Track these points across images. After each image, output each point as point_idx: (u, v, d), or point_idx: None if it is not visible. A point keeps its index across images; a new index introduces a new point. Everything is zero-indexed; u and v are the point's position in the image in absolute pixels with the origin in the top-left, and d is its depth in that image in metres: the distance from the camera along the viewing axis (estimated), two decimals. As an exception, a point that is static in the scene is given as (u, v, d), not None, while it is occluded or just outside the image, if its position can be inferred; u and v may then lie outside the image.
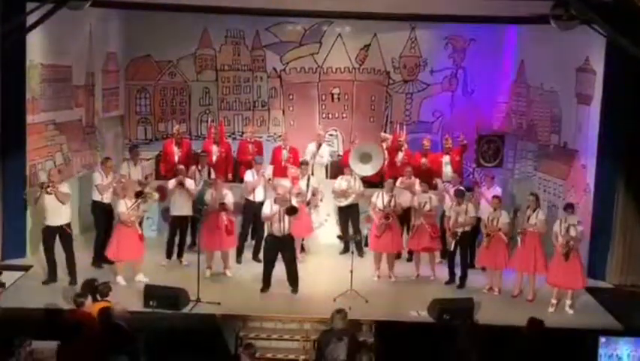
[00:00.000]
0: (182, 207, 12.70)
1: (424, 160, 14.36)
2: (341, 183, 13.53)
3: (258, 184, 12.96)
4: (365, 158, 14.01)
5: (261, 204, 12.35)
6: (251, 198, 12.99)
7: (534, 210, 11.63)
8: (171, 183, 12.70)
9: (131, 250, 11.71)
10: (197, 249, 11.96)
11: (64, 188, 11.47)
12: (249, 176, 13.04)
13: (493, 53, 16.49)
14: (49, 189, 11.25)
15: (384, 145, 14.58)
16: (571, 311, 11.25)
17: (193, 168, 13.34)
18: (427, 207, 12.43)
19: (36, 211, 12.53)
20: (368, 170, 13.96)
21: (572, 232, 11.10)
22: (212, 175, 13.41)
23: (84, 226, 13.55)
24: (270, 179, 13.20)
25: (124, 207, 11.65)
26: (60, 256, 11.62)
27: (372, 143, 14.84)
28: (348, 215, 13.61)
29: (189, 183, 12.66)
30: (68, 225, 11.56)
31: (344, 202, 13.54)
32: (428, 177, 13.80)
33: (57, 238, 11.52)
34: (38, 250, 12.62)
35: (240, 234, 13.07)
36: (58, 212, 11.39)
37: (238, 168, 14.53)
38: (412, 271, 12.68)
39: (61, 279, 11.57)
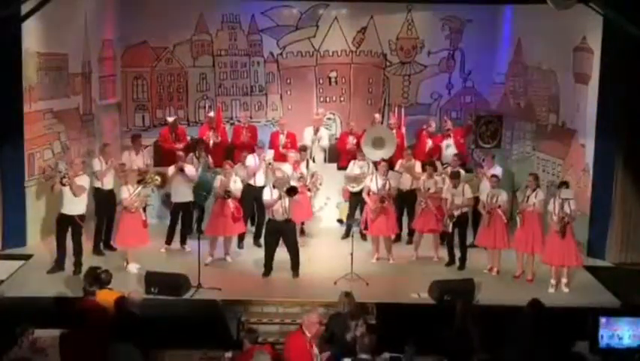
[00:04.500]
0: (183, 193, 12.72)
1: (429, 143, 14.36)
2: (354, 168, 13.47)
3: (258, 169, 12.96)
4: (378, 142, 13.92)
5: (262, 188, 12.38)
6: (252, 182, 13.00)
7: (533, 190, 11.63)
8: (171, 170, 12.71)
9: (135, 236, 11.72)
10: (198, 235, 11.96)
11: (82, 181, 11.44)
12: (250, 160, 13.04)
13: (490, 33, 16.47)
14: (64, 180, 11.25)
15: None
16: (566, 289, 11.28)
17: (190, 154, 13.34)
18: (432, 189, 12.43)
19: (39, 200, 12.60)
20: (381, 154, 13.89)
21: (567, 208, 11.12)
22: (210, 160, 13.39)
23: (87, 213, 13.55)
24: (270, 163, 13.20)
25: (126, 193, 11.65)
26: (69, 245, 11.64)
27: (385, 127, 14.82)
28: (358, 200, 13.49)
29: (189, 169, 12.67)
30: (80, 216, 11.52)
31: (357, 188, 13.40)
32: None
33: (69, 227, 11.50)
34: (40, 239, 12.70)
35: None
36: (74, 202, 11.37)
37: (232, 153, 14.55)
38: (411, 253, 12.70)
39: (67, 268, 11.56)
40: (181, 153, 12.96)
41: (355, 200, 13.54)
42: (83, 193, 11.40)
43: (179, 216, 12.87)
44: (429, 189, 12.42)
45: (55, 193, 11.52)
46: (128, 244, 11.77)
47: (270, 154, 13.72)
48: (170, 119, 15.03)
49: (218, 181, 12.26)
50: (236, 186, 12.25)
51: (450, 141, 14.32)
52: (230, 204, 12.12)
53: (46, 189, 12.54)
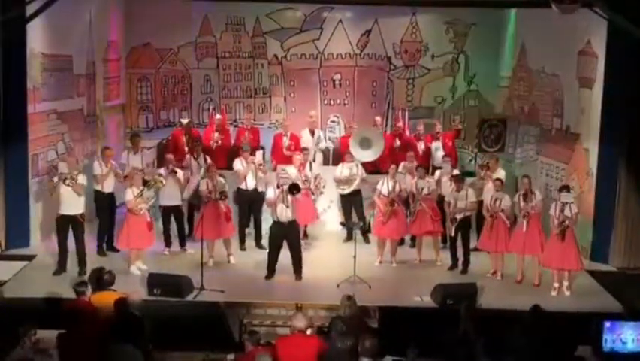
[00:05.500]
0: (170, 196, 12.59)
1: (421, 145, 14.37)
2: (342, 170, 13.46)
3: (247, 172, 12.92)
4: (365, 143, 13.94)
5: (254, 191, 12.35)
6: (243, 186, 12.95)
7: (531, 193, 11.61)
8: (162, 172, 12.52)
9: (141, 238, 11.70)
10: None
11: (82, 179, 11.49)
12: (237, 165, 12.99)
13: (494, 37, 16.52)
14: (67, 182, 11.26)
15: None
16: (568, 293, 11.22)
17: (188, 156, 13.30)
18: (426, 190, 12.42)
19: (43, 200, 12.61)
20: (368, 155, 13.90)
21: (567, 212, 11.09)
22: (209, 161, 13.30)
23: (88, 214, 13.54)
24: (260, 164, 13.14)
25: (131, 195, 11.62)
26: (70, 245, 11.60)
27: (372, 128, 14.83)
28: (351, 202, 13.54)
29: (180, 172, 12.62)
30: (82, 215, 11.54)
31: (347, 190, 13.44)
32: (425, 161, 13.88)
33: (69, 227, 11.49)
34: (44, 239, 12.69)
35: (239, 222, 13.06)
36: (74, 202, 11.38)
37: (235, 155, 14.52)
38: (414, 257, 12.69)
39: (70, 269, 11.54)
40: (171, 156, 12.87)
41: (347, 202, 13.54)
42: (83, 191, 11.47)
43: (170, 220, 12.80)
44: (422, 190, 12.42)
45: (54, 196, 11.51)
46: (132, 245, 11.74)
47: (258, 156, 13.66)
48: (185, 121, 14.92)
49: (204, 184, 12.22)
50: (226, 187, 12.26)
51: (438, 144, 14.36)
52: (222, 205, 12.11)
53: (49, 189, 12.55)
